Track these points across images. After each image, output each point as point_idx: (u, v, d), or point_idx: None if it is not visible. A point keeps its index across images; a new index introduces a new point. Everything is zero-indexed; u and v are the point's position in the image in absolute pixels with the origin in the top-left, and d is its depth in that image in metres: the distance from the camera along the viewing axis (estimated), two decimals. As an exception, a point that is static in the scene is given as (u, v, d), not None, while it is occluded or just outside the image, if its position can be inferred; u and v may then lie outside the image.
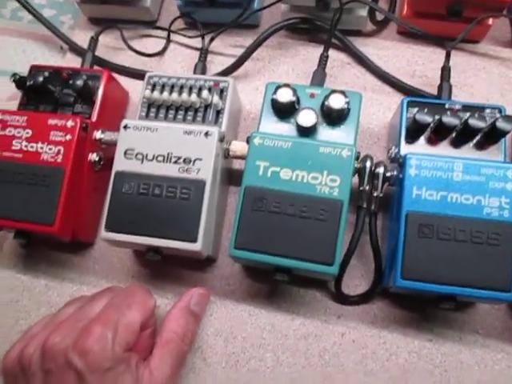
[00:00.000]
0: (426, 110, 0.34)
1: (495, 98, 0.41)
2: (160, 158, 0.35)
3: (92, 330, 0.31)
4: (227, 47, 0.45)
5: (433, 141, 0.35)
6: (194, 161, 0.34)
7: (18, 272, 0.41)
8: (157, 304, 0.35)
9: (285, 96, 0.35)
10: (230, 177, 0.40)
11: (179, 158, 0.35)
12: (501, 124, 0.33)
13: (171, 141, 0.35)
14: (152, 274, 0.40)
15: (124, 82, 0.44)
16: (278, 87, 0.36)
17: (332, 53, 0.42)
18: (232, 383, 0.37)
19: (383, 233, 0.38)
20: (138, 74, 0.44)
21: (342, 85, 0.42)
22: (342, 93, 0.35)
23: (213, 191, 0.35)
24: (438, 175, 0.32)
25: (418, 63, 0.43)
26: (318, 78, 0.39)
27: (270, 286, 0.38)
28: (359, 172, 0.35)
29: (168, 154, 0.35)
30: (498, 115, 0.35)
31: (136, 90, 0.44)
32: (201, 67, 0.41)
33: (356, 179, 0.35)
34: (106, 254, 0.41)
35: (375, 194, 0.35)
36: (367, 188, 0.35)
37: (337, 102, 0.35)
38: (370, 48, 0.43)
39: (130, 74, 0.44)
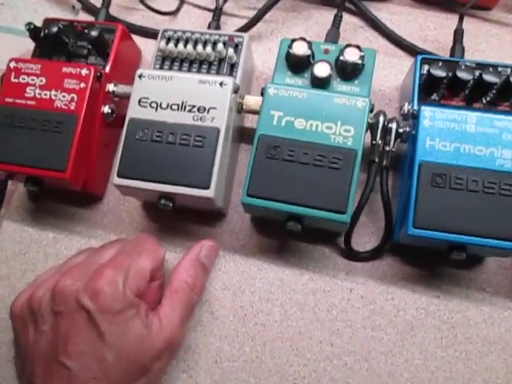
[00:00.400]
0: (440, 64, 0.34)
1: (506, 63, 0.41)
2: (174, 107, 0.35)
3: (103, 273, 0.31)
4: (241, 9, 0.45)
5: (446, 97, 0.36)
6: (209, 109, 0.34)
7: (26, 225, 0.41)
8: (165, 258, 0.35)
9: (300, 49, 0.36)
10: (241, 134, 0.41)
11: (193, 107, 0.35)
12: (515, 79, 0.33)
13: (186, 90, 0.35)
14: (161, 228, 0.40)
15: (137, 40, 0.44)
16: (294, 40, 0.36)
17: (345, 16, 0.43)
18: (239, 336, 0.37)
19: (393, 191, 0.38)
20: (150, 33, 0.44)
21: (355, 48, 0.42)
22: (358, 47, 0.35)
23: (226, 141, 0.35)
24: (452, 127, 0.32)
25: (430, 28, 0.43)
26: (332, 36, 0.39)
27: (280, 241, 0.39)
28: (372, 127, 0.35)
29: (182, 103, 0.35)
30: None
31: (148, 49, 0.44)
32: (214, 25, 0.41)
33: (368, 136, 0.35)
34: (115, 209, 0.41)
35: (387, 149, 0.35)
36: (380, 142, 0.35)
37: (352, 56, 0.35)
38: (383, 13, 0.43)
39: (142, 33, 0.44)
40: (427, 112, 0.33)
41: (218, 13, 0.42)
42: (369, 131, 0.35)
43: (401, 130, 0.35)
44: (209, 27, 0.42)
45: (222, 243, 0.39)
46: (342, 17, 0.40)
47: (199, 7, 0.45)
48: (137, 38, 0.44)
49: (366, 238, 0.38)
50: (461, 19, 0.39)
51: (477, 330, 0.36)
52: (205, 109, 0.34)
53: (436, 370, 0.35)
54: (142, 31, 0.44)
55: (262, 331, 0.37)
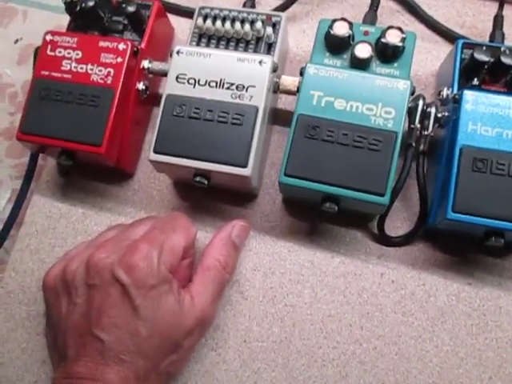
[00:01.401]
0: (484, 48, 0.34)
1: (545, 52, 0.40)
2: (213, 84, 0.34)
3: (138, 247, 0.31)
4: (275, -10, 0.45)
5: (487, 83, 0.35)
6: (247, 88, 0.34)
7: (56, 200, 0.41)
8: (196, 237, 0.35)
9: (341, 29, 0.35)
10: (275, 115, 0.40)
11: (232, 85, 0.34)
12: (561, 65, 0.33)
13: (224, 67, 0.35)
14: (192, 207, 0.40)
15: (170, 18, 0.43)
16: (335, 21, 0.36)
17: (382, 0, 0.42)
18: (269, 317, 0.37)
19: (427, 177, 0.38)
20: (184, 11, 0.44)
21: (391, 32, 0.42)
22: (399, 29, 0.35)
23: (264, 120, 0.34)
24: (495, 112, 0.32)
25: (467, 14, 0.42)
26: (370, 19, 0.39)
27: (311, 224, 0.38)
28: (411, 111, 0.35)
29: (221, 80, 0.34)
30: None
31: (181, 28, 0.44)
32: (250, 4, 0.41)
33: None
34: (146, 186, 0.41)
35: (425, 133, 0.35)
36: (418, 126, 0.35)
37: (394, 38, 0.35)
38: (420, -3, 0.43)
39: (176, 11, 0.44)
40: (469, 96, 0.32)
41: (252, -7, 0.42)
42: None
43: (439, 115, 0.35)
44: (244, 5, 0.41)
45: (253, 224, 0.39)
46: (379, 0, 0.39)
47: (234, -13, 0.45)
48: (170, 17, 0.44)
49: (398, 223, 0.38)
50: (501, 5, 0.38)
51: (508, 318, 0.35)
52: (243, 87, 0.34)
53: (465, 357, 0.35)
54: (176, 9, 0.44)
55: (292, 312, 0.37)
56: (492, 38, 0.38)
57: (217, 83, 0.34)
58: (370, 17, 0.39)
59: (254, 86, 0.34)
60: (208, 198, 0.39)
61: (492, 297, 0.36)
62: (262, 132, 0.34)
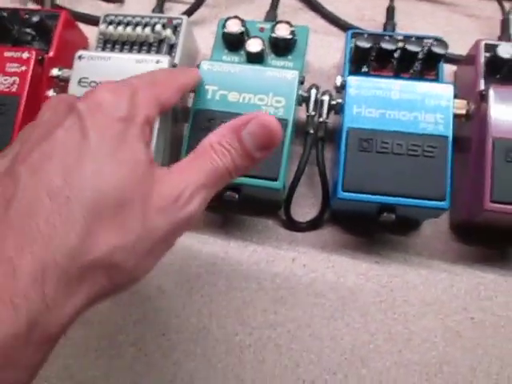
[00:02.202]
0: (365, 35, 0.36)
1: (439, 39, 0.43)
2: (113, 85, 0.36)
3: (104, 84, 0.24)
4: (185, -5, 0.46)
5: (376, 69, 0.37)
6: (146, 87, 0.35)
7: None
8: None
9: (234, 27, 0.37)
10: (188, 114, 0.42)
11: (132, 85, 0.36)
12: (436, 48, 0.35)
13: (124, 70, 0.36)
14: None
15: (84, 28, 0.45)
16: (228, 19, 0.37)
17: (285, -1, 0.44)
18: (186, 309, 0.37)
19: (332, 164, 0.39)
20: (95, 21, 0.45)
21: (295, 28, 0.44)
22: (288, 23, 0.37)
23: (165, 117, 0.36)
24: (378, 94, 0.34)
25: (366, 8, 0.45)
26: (270, 17, 0.41)
27: (224, 215, 0.40)
28: (306, 100, 0.37)
29: (121, 82, 0.36)
30: (436, 44, 0.37)
31: (96, 37, 0.45)
32: (158, 10, 0.43)
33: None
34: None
35: (321, 120, 0.36)
36: (313, 114, 0.36)
37: (283, 31, 0.36)
38: (321, -6, 0.45)
39: (87, 21, 0.46)
40: (353, 81, 0.34)
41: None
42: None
43: (333, 102, 0.36)
44: (153, 11, 0.43)
45: (169, 220, 0.40)
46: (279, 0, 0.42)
47: (145, -5, 0.47)
48: (84, 27, 0.45)
49: (307, 209, 0.39)
50: (392, -3, 0.41)
51: (415, 293, 0.37)
52: (142, 86, 0.36)
53: (376, 332, 0.36)
54: (86, 18, 0.45)
55: (208, 302, 0.38)
56: (385, 28, 0.40)
57: (117, 84, 0.36)
58: (270, 15, 0.41)
59: (153, 85, 0.35)
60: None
61: (399, 273, 0.37)
62: (165, 132, 0.36)
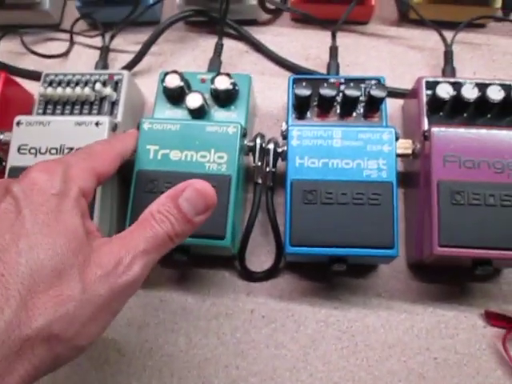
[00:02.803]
0: (304, 83, 0.35)
1: (385, 74, 0.42)
2: (53, 151, 0.35)
3: (39, 164, 0.25)
4: (130, 44, 0.46)
5: (320, 115, 0.37)
6: (87, 150, 0.35)
7: None
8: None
9: (173, 81, 0.37)
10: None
11: (72, 149, 0.35)
12: (374, 92, 0.34)
13: (64, 133, 0.35)
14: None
15: (29, 85, 0.44)
16: (166, 74, 0.37)
17: (230, 42, 0.44)
18: (147, 371, 0.37)
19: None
20: (37, 77, 0.44)
21: (241, 72, 0.44)
22: (227, 75, 0.36)
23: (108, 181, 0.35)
24: (319, 143, 0.34)
25: (312, 46, 0.44)
26: (214, 64, 0.41)
27: (181, 270, 0.39)
28: (252, 150, 0.36)
29: (61, 146, 0.35)
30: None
31: (42, 93, 0.45)
32: (101, 65, 0.42)
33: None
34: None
35: (268, 170, 0.36)
36: (259, 164, 0.36)
37: (222, 84, 0.36)
38: (266, 35, 0.45)
39: (33, 77, 0.45)
40: (295, 132, 0.34)
41: (104, 51, 0.43)
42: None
43: (279, 150, 0.36)
44: (96, 67, 0.42)
45: (124, 278, 0.39)
46: (222, 44, 0.41)
47: (90, 46, 0.46)
48: (28, 83, 0.44)
49: (263, 258, 0.39)
50: (333, 37, 0.41)
51: (376, 336, 0.36)
52: (83, 150, 0.35)
53: (339, 381, 0.35)
54: (31, 76, 0.45)
55: (169, 362, 0.37)
56: (328, 68, 0.40)
57: (57, 150, 0.35)
58: (214, 62, 0.41)
59: (93, 148, 0.35)
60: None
61: (359, 317, 0.37)
62: (106, 192, 0.35)
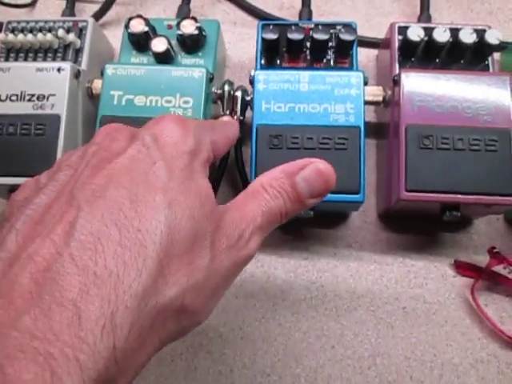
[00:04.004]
0: (271, 27, 0.34)
1: (360, 23, 0.41)
2: (14, 98, 0.34)
3: (165, 116, 0.22)
4: (99, -6, 0.44)
5: (289, 61, 0.36)
6: (48, 97, 0.34)
7: None
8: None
9: (137, 26, 0.35)
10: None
11: (33, 96, 0.34)
12: (344, 35, 0.33)
13: (24, 79, 0.34)
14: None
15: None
16: (131, 19, 0.36)
17: (202, -9, 0.43)
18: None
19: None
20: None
21: (213, 22, 0.43)
22: (193, 18, 0.35)
23: (72, 127, 0.34)
24: (286, 87, 0.33)
25: (285, -5, 0.43)
26: (182, 11, 0.39)
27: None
28: (220, 97, 0.35)
29: (21, 93, 0.34)
30: (349, 30, 0.36)
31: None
32: (68, 13, 0.41)
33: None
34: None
35: (235, 118, 0.35)
36: (227, 112, 0.35)
37: (188, 28, 0.35)
38: (239, -15, 0.43)
39: (-3, 28, 0.43)
40: (261, 76, 0.33)
41: (70, 0, 0.41)
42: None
43: (248, 98, 0.35)
44: (63, 15, 0.41)
45: None
46: (192, -9, 0.40)
47: (57, -3, 0.45)
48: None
49: (233, 210, 0.38)
50: (306, -18, 0.39)
51: (345, 286, 0.36)
52: (44, 96, 0.34)
53: (308, 330, 0.35)
54: (-5, 26, 0.43)
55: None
56: (300, 15, 0.39)
57: (18, 96, 0.34)
58: (183, 10, 0.39)
59: (54, 95, 0.34)
60: None
61: (328, 268, 0.37)
62: (70, 139, 0.34)
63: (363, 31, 0.41)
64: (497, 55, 0.40)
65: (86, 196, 0.18)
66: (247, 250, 0.21)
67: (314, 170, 0.23)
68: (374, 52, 0.41)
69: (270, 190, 0.22)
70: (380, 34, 0.41)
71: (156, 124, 0.21)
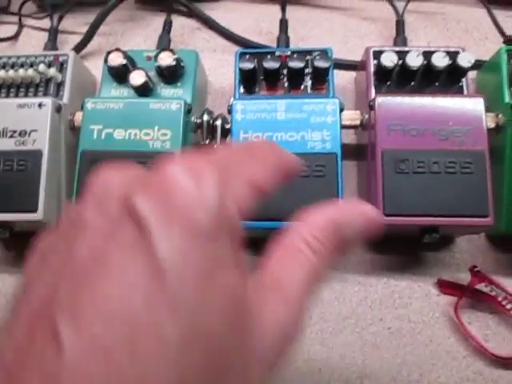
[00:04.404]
0: (247, 57, 0.35)
1: (338, 46, 0.42)
2: (-4, 135, 0.35)
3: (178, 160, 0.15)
4: (81, 26, 0.45)
5: (268, 89, 0.36)
6: (30, 132, 0.34)
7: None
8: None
9: (116, 60, 0.36)
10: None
11: (15, 132, 0.34)
12: (318, 62, 0.34)
13: (6, 116, 0.35)
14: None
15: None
16: (109, 52, 0.36)
17: (182, 19, 0.44)
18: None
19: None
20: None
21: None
22: (171, 51, 0.36)
23: (54, 161, 0.35)
24: (263, 117, 0.33)
25: (264, 21, 0.44)
26: (162, 42, 0.40)
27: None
28: (199, 126, 0.36)
29: (4, 130, 0.35)
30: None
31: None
32: (50, 46, 0.41)
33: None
34: None
35: (215, 146, 0.36)
36: (206, 142, 0.36)
37: (165, 60, 0.36)
38: (218, 11, 0.44)
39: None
40: (238, 106, 0.33)
41: (52, 33, 0.42)
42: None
43: (227, 126, 0.36)
44: (45, 49, 0.42)
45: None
46: (171, 22, 0.41)
47: (39, 29, 0.45)
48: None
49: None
50: (283, 10, 0.40)
51: (330, 309, 0.37)
52: (26, 132, 0.34)
53: (294, 354, 0.36)
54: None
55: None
56: (278, 41, 0.39)
57: (0, 133, 0.35)
58: (162, 40, 0.40)
59: (36, 130, 0.34)
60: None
61: (313, 290, 0.37)
62: (52, 174, 0.35)
63: (341, 54, 0.42)
64: (473, 73, 0.41)
65: (66, 325, 0.12)
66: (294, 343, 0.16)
67: (364, 218, 0.19)
68: (352, 74, 0.41)
69: (314, 243, 0.17)
70: (358, 56, 0.41)
71: (158, 178, 0.14)
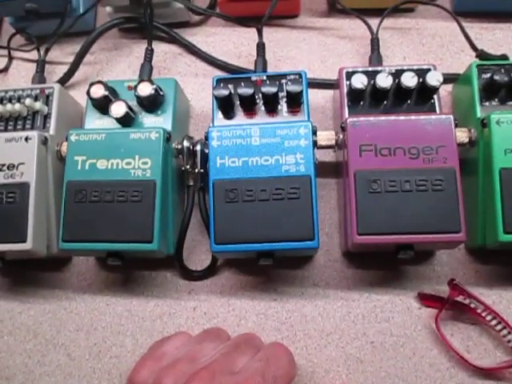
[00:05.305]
0: (222, 84, 0.36)
1: (316, 65, 0.43)
2: (-15, 170, 0.36)
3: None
4: (67, 56, 0.47)
5: (246, 113, 0.38)
6: (18, 166, 0.36)
7: None
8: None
9: (97, 92, 0.37)
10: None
11: (3, 166, 0.36)
12: (290, 87, 0.35)
13: (-6, 150, 0.37)
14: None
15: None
16: (91, 85, 0.38)
17: (164, 46, 0.45)
18: (96, 373, 0.38)
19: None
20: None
21: (176, 74, 0.44)
22: (149, 81, 0.37)
23: (42, 192, 0.36)
24: (238, 143, 0.34)
25: (243, 44, 0.45)
26: (144, 70, 0.41)
27: (124, 273, 0.40)
28: (180, 152, 0.37)
29: (-8, 164, 0.36)
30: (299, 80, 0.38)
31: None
32: (38, 78, 0.43)
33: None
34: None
35: (196, 171, 0.37)
36: (188, 167, 0.37)
37: (144, 90, 0.37)
38: (198, 36, 0.45)
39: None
40: (214, 133, 0.35)
41: (40, 65, 0.44)
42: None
43: (207, 151, 0.37)
44: (33, 81, 0.43)
45: (71, 286, 0.40)
46: (152, 50, 0.42)
47: (28, 61, 0.47)
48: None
49: (203, 256, 0.40)
50: (259, 34, 0.41)
51: (314, 325, 0.37)
52: (14, 166, 0.36)
53: (280, 370, 0.37)
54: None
55: (117, 364, 0.38)
56: (255, 65, 0.40)
57: (-11, 168, 0.36)
58: (144, 68, 0.41)
59: (23, 163, 0.36)
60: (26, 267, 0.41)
61: (297, 307, 0.38)
62: (39, 205, 0.36)
63: (319, 73, 0.43)
64: (449, 87, 0.41)
65: None
66: None
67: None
68: (330, 92, 0.42)
69: None
70: (335, 75, 0.42)
71: None
